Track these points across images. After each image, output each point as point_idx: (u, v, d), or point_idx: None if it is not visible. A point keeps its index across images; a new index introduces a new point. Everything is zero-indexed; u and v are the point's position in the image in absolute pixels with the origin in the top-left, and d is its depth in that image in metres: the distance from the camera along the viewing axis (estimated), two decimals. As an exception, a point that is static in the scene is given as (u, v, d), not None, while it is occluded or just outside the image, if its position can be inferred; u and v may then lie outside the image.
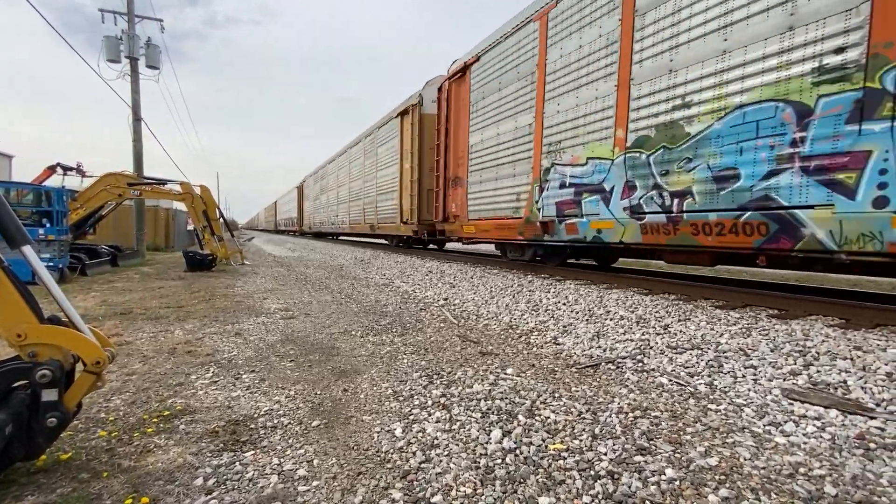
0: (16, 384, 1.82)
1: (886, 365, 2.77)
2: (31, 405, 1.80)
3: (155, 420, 2.46)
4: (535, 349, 3.84)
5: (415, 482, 1.86)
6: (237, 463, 2.02)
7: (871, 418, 2.26)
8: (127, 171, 11.61)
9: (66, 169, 11.40)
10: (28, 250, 1.88)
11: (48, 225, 8.58)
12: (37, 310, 1.86)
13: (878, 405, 2.41)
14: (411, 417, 2.48)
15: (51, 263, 8.08)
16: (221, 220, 12.13)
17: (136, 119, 14.59)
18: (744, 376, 2.89)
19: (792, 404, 2.48)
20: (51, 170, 11.12)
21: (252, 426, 2.40)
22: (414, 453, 2.09)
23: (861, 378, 2.68)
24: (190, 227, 19.88)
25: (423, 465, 1.99)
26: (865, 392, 2.54)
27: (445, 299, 6.21)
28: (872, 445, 2.05)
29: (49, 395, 1.81)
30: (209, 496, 1.77)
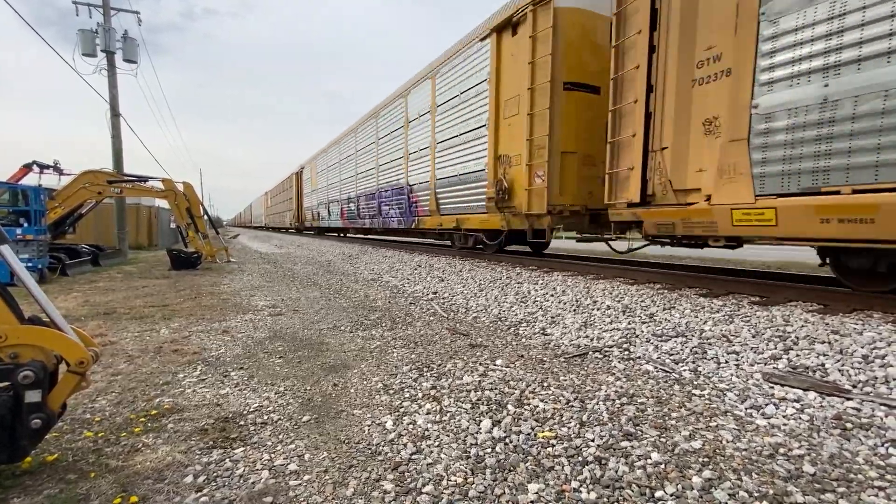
0: (-3, 386, 1.79)
1: (862, 348, 2.86)
2: (14, 407, 1.76)
3: (142, 419, 2.43)
4: (523, 340, 3.88)
5: (406, 473, 1.88)
6: (227, 460, 2.01)
7: (848, 399, 2.34)
8: (106, 169, 11.36)
9: (42, 167, 11.11)
10: (6, 250, 1.84)
11: (26, 224, 8.36)
12: (17, 310, 1.83)
13: (854, 387, 2.49)
14: (402, 410, 2.50)
15: (30, 264, 7.89)
16: (206, 217, 11.96)
17: (115, 115, 14.25)
18: (727, 362, 2.96)
19: (772, 388, 2.55)
20: (27, 168, 10.83)
21: (242, 423, 2.39)
22: (405, 445, 2.10)
23: (838, 361, 2.76)
24: (173, 226, 19.56)
25: (414, 457, 2.01)
26: (842, 374, 2.62)
27: (435, 293, 6.23)
28: (849, 425, 2.12)
29: (32, 397, 1.78)
30: (199, 493, 1.77)
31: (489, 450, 2.04)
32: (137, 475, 1.90)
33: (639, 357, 3.24)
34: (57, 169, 11.29)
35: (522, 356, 3.39)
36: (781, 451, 1.95)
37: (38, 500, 1.73)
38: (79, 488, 1.81)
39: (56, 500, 1.73)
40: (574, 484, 1.77)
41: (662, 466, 1.85)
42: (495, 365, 3.17)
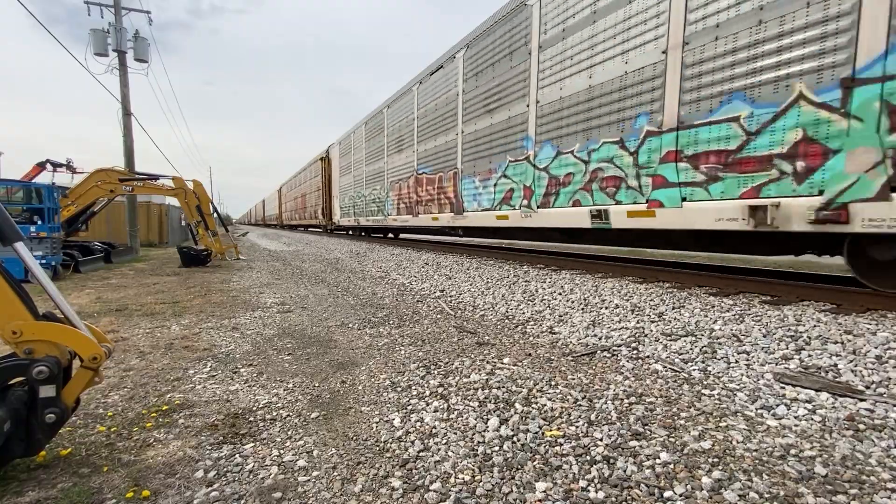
0: (13, 381, 1.82)
1: (876, 348, 2.82)
2: (29, 402, 1.80)
3: (154, 414, 2.47)
4: (531, 339, 3.87)
5: (414, 470, 1.89)
6: (237, 455, 2.03)
7: (861, 400, 2.31)
8: (118, 167, 11.49)
9: (55, 165, 11.28)
10: (21, 247, 1.86)
11: (39, 222, 8.50)
12: (31, 307, 1.86)
13: (867, 387, 2.45)
14: (409, 407, 2.51)
15: (44, 261, 8.02)
16: (215, 215, 12.06)
17: (126, 114, 14.40)
18: (737, 361, 2.93)
19: (784, 388, 2.53)
20: (40, 166, 11.01)
21: (251, 419, 2.41)
22: (413, 442, 2.11)
23: (851, 361, 2.72)
24: (184, 223, 19.73)
25: (421, 454, 2.01)
26: (855, 375, 2.59)
27: (442, 291, 6.23)
28: (862, 426, 2.09)
29: (47, 392, 1.81)
30: (210, 488, 1.79)
31: (497, 448, 2.04)
32: (149, 469, 1.93)
33: (648, 356, 3.21)
34: (69, 167, 11.45)
35: (530, 354, 3.38)
36: (793, 451, 1.93)
37: (52, 493, 1.76)
38: (92, 482, 1.84)
39: (70, 494, 1.76)
40: (582, 483, 1.76)
41: (671, 466, 1.84)
42: (503, 363, 3.16)
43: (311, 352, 3.63)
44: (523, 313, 4.69)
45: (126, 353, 3.61)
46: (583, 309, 4.54)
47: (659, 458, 1.90)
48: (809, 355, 2.87)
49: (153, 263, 11.54)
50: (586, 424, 2.22)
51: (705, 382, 2.73)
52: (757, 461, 1.86)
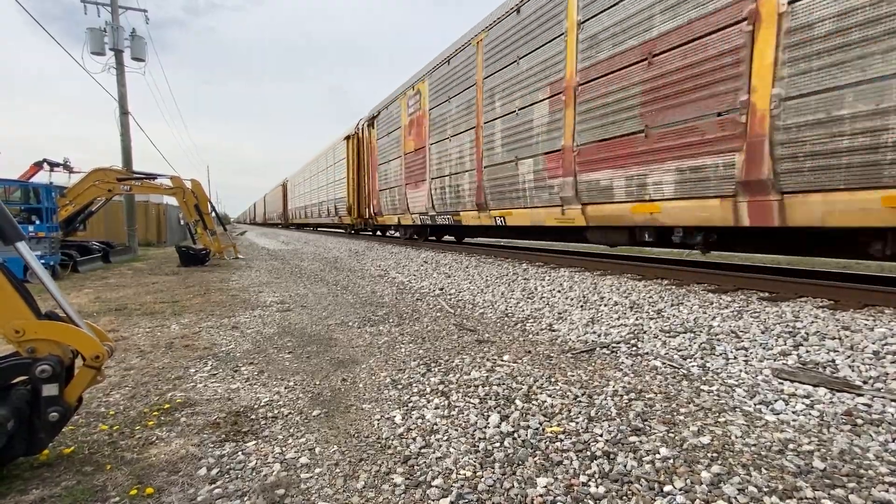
0: (16, 380, 1.83)
1: (873, 344, 2.83)
2: (32, 400, 1.80)
3: (155, 413, 2.48)
4: (530, 336, 3.89)
5: (415, 467, 1.90)
6: (240, 453, 2.04)
7: (859, 395, 2.33)
8: (116, 167, 11.47)
9: (52, 165, 11.25)
10: (23, 246, 1.87)
11: (38, 222, 8.48)
12: (33, 306, 1.86)
13: (865, 382, 2.47)
14: (410, 405, 2.52)
15: (42, 260, 8.00)
16: (214, 214, 12.04)
17: (123, 113, 14.36)
18: (735, 358, 2.95)
19: (782, 384, 2.54)
20: (37, 166, 10.98)
21: (253, 417, 2.42)
22: (414, 439, 2.12)
23: (849, 357, 2.74)
24: (182, 222, 19.69)
25: (423, 451, 2.02)
26: (853, 370, 2.61)
27: (441, 289, 6.24)
28: (859, 421, 2.11)
29: (49, 390, 1.82)
30: (213, 485, 1.80)
31: (497, 444, 2.05)
32: (152, 467, 1.94)
33: (647, 353, 3.23)
34: (67, 167, 11.42)
35: (530, 352, 3.40)
36: (791, 446, 1.95)
37: (56, 492, 1.77)
38: (95, 480, 1.84)
39: (74, 492, 1.77)
40: (583, 478, 1.78)
41: (671, 461, 1.85)
42: (503, 360, 3.18)
43: (312, 350, 3.64)
44: (523, 311, 4.70)
45: (126, 353, 3.61)
46: (582, 306, 4.55)
47: (658, 453, 1.91)
48: (807, 351, 2.89)
49: (152, 263, 11.53)
50: (586, 420, 2.24)
51: (704, 378, 2.75)
52: (756, 456, 1.88)
